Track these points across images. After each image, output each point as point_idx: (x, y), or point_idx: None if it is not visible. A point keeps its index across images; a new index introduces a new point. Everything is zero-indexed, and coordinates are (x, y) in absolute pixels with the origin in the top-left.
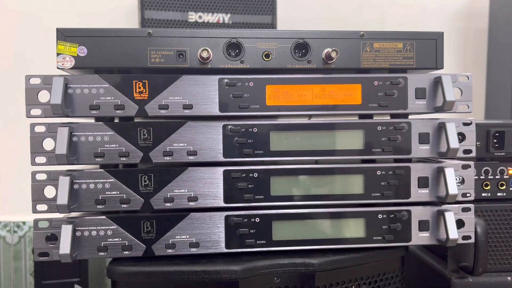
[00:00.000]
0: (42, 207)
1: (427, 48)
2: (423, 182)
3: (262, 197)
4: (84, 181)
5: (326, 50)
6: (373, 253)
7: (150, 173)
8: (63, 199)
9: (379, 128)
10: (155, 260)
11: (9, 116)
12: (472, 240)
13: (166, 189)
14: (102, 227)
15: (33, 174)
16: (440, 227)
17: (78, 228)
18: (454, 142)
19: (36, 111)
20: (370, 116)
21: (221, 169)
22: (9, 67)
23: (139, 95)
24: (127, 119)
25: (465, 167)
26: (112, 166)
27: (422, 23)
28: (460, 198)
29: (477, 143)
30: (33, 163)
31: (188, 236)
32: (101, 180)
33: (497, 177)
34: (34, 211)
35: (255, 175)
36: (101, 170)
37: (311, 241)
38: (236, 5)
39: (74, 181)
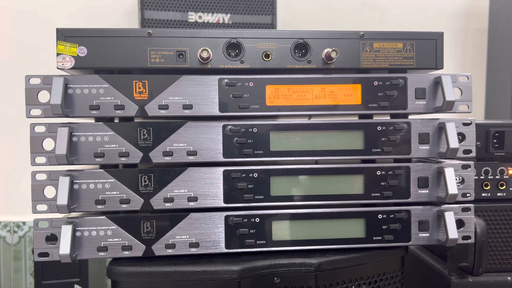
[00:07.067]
0: (42, 207)
1: (427, 48)
2: (423, 182)
3: (262, 197)
4: (84, 181)
5: (326, 50)
6: (373, 253)
7: (150, 173)
8: (63, 199)
9: (379, 128)
10: (155, 260)
11: (9, 116)
12: (472, 240)
13: (166, 189)
14: (102, 227)
15: (33, 174)
16: (440, 227)
17: (78, 228)
18: (454, 142)
19: (36, 111)
20: (370, 116)
21: (221, 169)
22: (9, 66)
23: (139, 95)
24: (127, 119)
25: (465, 167)
26: (112, 166)
27: (422, 23)
28: (460, 198)
29: (477, 143)
30: (33, 163)
31: (188, 236)
32: (101, 180)
33: (497, 177)
34: (34, 211)
35: (255, 175)
36: (101, 170)
37: (311, 241)
38: (236, 5)
39: (74, 181)
